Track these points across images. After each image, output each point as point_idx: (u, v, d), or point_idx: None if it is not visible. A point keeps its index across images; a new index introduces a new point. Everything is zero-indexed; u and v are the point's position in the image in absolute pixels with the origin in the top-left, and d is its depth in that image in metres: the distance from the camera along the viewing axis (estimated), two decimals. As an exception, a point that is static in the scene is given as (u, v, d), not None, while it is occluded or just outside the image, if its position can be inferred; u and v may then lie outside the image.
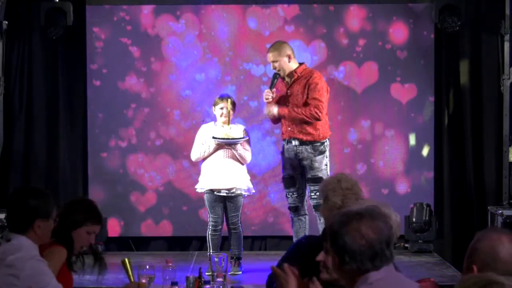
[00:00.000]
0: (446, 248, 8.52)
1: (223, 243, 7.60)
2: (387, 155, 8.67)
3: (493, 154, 8.48)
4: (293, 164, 6.97)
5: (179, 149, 8.64)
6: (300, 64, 7.05)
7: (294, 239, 7.11)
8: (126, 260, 4.02)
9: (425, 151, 8.57)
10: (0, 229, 7.42)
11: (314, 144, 6.91)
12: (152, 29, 8.65)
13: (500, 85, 8.43)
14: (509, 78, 8.36)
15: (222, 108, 7.14)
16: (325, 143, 6.96)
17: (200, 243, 8.54)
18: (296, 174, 7.00)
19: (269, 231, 8.71)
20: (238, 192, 7.18)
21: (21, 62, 8.55)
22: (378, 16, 8.64)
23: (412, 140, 8.66)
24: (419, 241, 8.28)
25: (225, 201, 7.20)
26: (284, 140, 7.05)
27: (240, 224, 7.26)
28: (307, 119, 6.82)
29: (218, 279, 4.23)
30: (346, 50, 8.64)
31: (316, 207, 6.87)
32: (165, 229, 8.69)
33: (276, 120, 7.13)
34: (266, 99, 6.96)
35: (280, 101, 6.98)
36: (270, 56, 6.98)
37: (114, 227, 8.56)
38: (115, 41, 8.64)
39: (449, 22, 8.19)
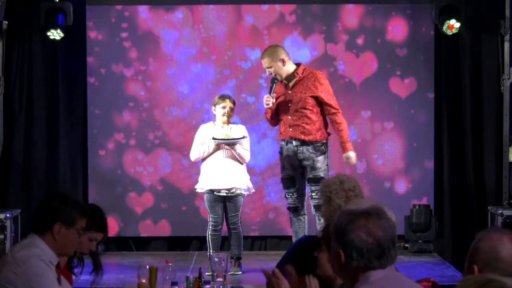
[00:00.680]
0: (446, 248, 8.52)
1: (223, 243, 7.60)
2: (386, 154, 8.68)
3: (493, 154, 8.48)
4: (293, 164, 6.96)
5: (178, 149, 8.64)
6: (298, 64, 7.04)
7: (294, 239, 7.11)
8: (154, 268, 4.07)
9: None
10: (0, 229, 7.42)
11: (315, 144, 6.90)
12: (151, 29, 8.65)
13: (500, 85, 8.44)
14: (509, 78, 8.37)
15: (223, 108, 7.14)
16: (326, 144, 6.97)
17: (200, 243, 8.54)
18: (296, 174, 6.99)
19: (269, 231, 8.71)
20: (238, 192, 7.18)
21: (21, 62, 8.55)
22: (377, 14, 8.64)
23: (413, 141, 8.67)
24: (419, 241, 8.28)
25: (225, 201, 7.21)
26: (283, 140, 7.04)
27: (240, 224, 7.26)
28: (347, 129, 7.00)
29: (218, 279, 4.23)
30: (345, 45, 8.64)
31: (316, 207, 6.87)
32: (165, 229, 8.69)
33: (275, 122, 7.12)
34: (267, 104, 6.93)
35: (281, 104, 6.97)
36: (264, 62, 6.97)
37: (114, 227, 8.55)
38: (115, 41, 8.64)
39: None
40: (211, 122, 7.34)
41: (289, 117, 6.94)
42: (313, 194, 6.88)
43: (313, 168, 6.89)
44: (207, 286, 4.19)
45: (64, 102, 8.62)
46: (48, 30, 8.24)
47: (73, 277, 4.17)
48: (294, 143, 6.93)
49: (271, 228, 8.70)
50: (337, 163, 8.59)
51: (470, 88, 8.56)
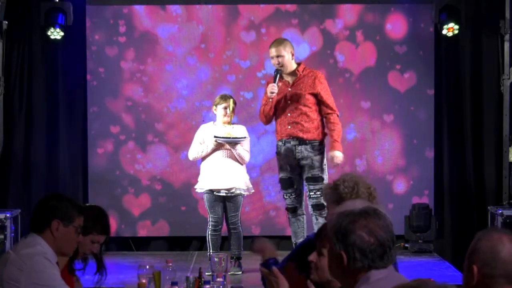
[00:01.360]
0: (446, 248, 8.52)
1: (223, 243, 7.60)
2: (386, 153, 8.67)
3: (493, 154, 8.48)
4: (291, 165, 6.95)
5: (179, 149, 8.64)
6: (298, 64, 7.06)
7: (293, 240, 7.11)
8: (159, 273, 4.11)
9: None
10: (0, 229, 7.42)
11: (313, 143, 6.90)
12: (151, 29, 8.65)
13: (500, 85, 8.44)
14: (509, 78, 8.37)
15: (225, 108, 7.14)
16: (324, 143, 6.97)
17: (200, 243, 8.54)
18: (294, 175, 6.98)
19: (269, 231, 8.71)
20: (238, 192, 7.18)
21: (21, 62, 8.55)
22: (377, 11, 8.64)
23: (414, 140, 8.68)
24: (419, 241, 8.28)
25: (225, 201, 7.21)
26: (280, 140, 7.02)
27: (240, 224, 7.26)
28: (341, 131, 6.97)
29: (218, 279, 4.22)
30: (343, 40, 8.64)
31: (314, 207, 6.87)
32: (165, 229, 8.69)
33: (269, 120, 7.10)
34: (271, 92, 6.89)
35: (280, 101, 6.96)
36: (274, 51, 6.94)
37: (113, 227, 8.55)
38: (115, 41, 8.64)
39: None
40: (212, 122, 7.35)
41: (288, 114, 6.93)
42: (311, 193, 6.88)
43: (311, 167, 6.89)
44: (207, 286, 4.19)
45: (64, 101, 8.62)
46: (48, 29, 8.23)
47: (79, 276, 4.18)
48: (292, 142, 6.92)
49: (271, 228, 8.70)
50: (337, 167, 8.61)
51: (470, 88, 8.57)
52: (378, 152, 8.69)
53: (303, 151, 6.90)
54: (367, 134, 8.68)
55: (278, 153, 7.07)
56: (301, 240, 6.95)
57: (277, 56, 6.92)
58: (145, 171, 8.68)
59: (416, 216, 8.27)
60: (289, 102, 6.92)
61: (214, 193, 7.18)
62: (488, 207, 7.97)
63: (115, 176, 8.66)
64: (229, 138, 7.08)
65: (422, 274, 6.87)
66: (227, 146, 7.16)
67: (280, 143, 7.03)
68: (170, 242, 8.75)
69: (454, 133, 8.59)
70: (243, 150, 7.18)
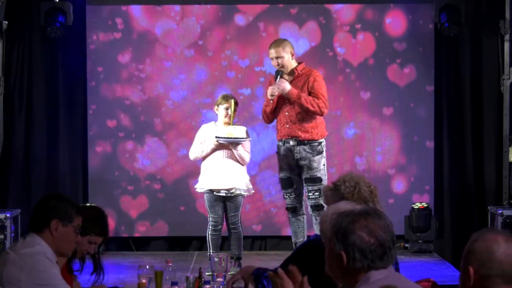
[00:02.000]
0: (446, 248, 8.52)
1: (223, 243, 7.60)
2: (387, 151, 8.67)
3: (493, 154, 8.49)
4: (290, 165, 6.95)
5: (179, 149, 8.64)
6: (299, 63, 7.06)
7: (293, 240, 7.12)
8: (159, 272, 4.13)
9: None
10: (0, 229, 7.42)
11: (312, 143, 6.90)
12: (151, 29, 8.65)
13: (500, 85, 8.44)
14: (509, 78, 8.37)
15: (227, 109, 7.14)
16: (322, 143, 6.96)
17: (200, 243, 8.54)
18: (294, 175, 6.98)
19: (269, 231, 8.71)
20: (238, 192, 7.18)
21: (21, 62, 8.55)
22: (376, 9, 8.65)
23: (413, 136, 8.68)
24: (419, 241, 8.27)
25: (225, 201, 7.21)
26: (280, 140, 7.02)
27: (240, 224, 7.26)
28: (312, 108, 6.76)
29: (218, 279, 4.22)
30: (342, 36, 8.64)
31: (314, 207, 6.87)
32: (164, 229, 8.69)
33: (271, 120, 7.10)
34: (272, 95, 6.89)
35: (279, 99, 6.96)
36: (273, 52, 6.94)
37: (113, 227, 8.55)
38: (115, 40, 8.64)
39: (447, 30, 8.23)
40: (213, 122, 7.35)
41: (286, 113, 6.93)
42: (310, 194, 6.88)
43: (310, 168, 6.89)
44: (207, 286, 4.19)
45: (64, 101, 8.62)
46: (48, 27, 8.21)
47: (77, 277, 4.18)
48: (291, 142, 6.92)
49: (271, 228, 8.70)
50: (337, 162, 8.61)
51: (470, 89, 8.57)
52: (378, 150, 8.68)
53: (302, 151, 6.90)
54: (367, 132, 8.67)
55: (278, 153, 7.07)
56: (301, 240, 6.96)
57: (277, 58, 6.93)
58: (145, 171, 8.68)
59: (416, 216, 8.27)
60: (287, 101, 6.92)
61: (214, 193, 7.18)
62: (488, 207, 7.97)
63: (114, 176, 8.66)
64: (230, 138, 7.08)
65: (422, 274, 6.87)
66: (228, 147, 7.16)
67: (280, 143, 7.03)
68: (170, 242, 8.75)
69: (454, 133, 8.60)
70: (244, 150, 7.19)
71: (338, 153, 8.65)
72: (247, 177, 7.31)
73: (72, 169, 8.63)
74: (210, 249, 7.19)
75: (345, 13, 8.66)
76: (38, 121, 8.58)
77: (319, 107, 6.78)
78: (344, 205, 3.46)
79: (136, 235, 8.69)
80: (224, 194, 7.17)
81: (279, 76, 6.92)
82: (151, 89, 8.67)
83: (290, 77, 6.99)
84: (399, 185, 8.68)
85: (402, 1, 8.68)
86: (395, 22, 8.66)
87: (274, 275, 2.74)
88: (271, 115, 7.04)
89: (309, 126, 6.91)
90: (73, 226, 3.78)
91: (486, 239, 2.45)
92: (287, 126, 6.92)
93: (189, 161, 7.72)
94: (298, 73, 6.98)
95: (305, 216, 7.08)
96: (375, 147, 8.69)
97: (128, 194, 8.67)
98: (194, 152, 7.29)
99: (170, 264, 4.34)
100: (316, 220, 6.80)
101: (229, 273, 4.29)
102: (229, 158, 7.18)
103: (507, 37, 8.35)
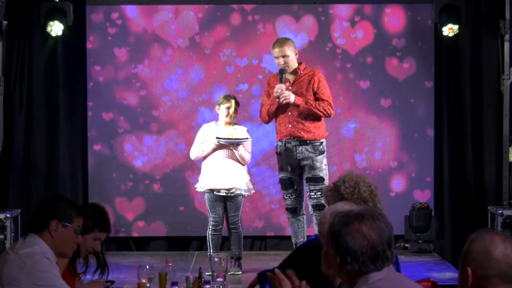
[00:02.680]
0: (446, 248, 8.52)
1: (223, 243, 7.60)
2: (386, 149, 8.67)
3: (493, 154, 8.48)
4: (292, 165, 6.95)
5: (179, 149, 8.64)
6: (300, 63, 7.06)
7: (293, 240, 7.12)
8: (165, 275, 4.14)
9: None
10: (0, 229, 7.42)
11: (314, 143, 6.90)
12: (151, 29, 8.65)
13: (500, 85, 8.44)
14: (509, 78, 8.37)
15: (228, 108, 7.14)
16: (324, 143, 6.97)
17: (200, 243, 8.54)
18: (294, 175, 6.98)
19: (269, 231, 8.71)
20: (238, 192, 7.18)
21: (21, 62, 8.55)
22: (375, 8, 8.65)
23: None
24: (419, 241, 8.27)
25: (225, 201, 7.21)
26: (280, 141, 7.02)
27: (240, 224, 7.26)
28: (320, 113, 6.85)
29: (218, 279, 4.22)
30: (341, 32, 8.64)
31: (315, 207, 6.87)
32: (164, 229, 8.69)
33: (271, 119, 7.09)
34: (277, 92, 6.88)
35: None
36: (278, 51, 6.94)
37: (113, 227, 8.55)
38: (115, 40, 8.64)
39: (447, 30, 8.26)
40: (214, 122, 7.35)
41: (289, 113, 6.93)
42: (311, 193, 6.88)
43: (312, 167, 6.89)
44: (207, 286, 4.19)
45: (64, 102, 8.62)
46: (48, 24, 8.19)
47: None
48: (293, 143, 6.92)
49: (271, 228, 8.70)
50: (337, 162, 8.61)
51: (470, 88, 8.56)
52: (378, 147, 8.67)
53: (304, 151, 6.90)
54: (367, 130, 8.67)
55: (278, 154, 7.06)
56: (301, 240, 6.97)
57: (282, 56, 6.92)
58: (145, 170, 8.68)
59: (416, 216, 8.27)
60: (289, 101, 6.92)
61: (214, 192, 7.18)
62: (488, 207, 7.97)
63: (114, 176, 8.65)
64: (231, 139, 7.08)
65: (422, 274, 6.87)
66: (229, 146, 7.16)
67: (280, 144, 7.02)
68: (170, 242, 8.75)
69: (454, 133, 8.59)
70: (245, 151, 7.19)
71: (338, 151, 8.65)
72: (248, 177, 7.31)
73: (71, 169, 8.63)
74: (210, 249, 7.19)
75: (343, 10, 8.66)
76: (38, 121, 8.58)
77: (325, 110, 6.87)
78: (342, 206, 3.46)
79: (136, 235, 8.69)
80: (224, 194, 7.17)
81: (284, 75, 6.92)
82: (150, 89, 8.67)
83: (293, 77, 6.99)
84: (399, 182, 8.67)
85: (401, 1, 8.68)
86: (394, 18, 8.65)
87: (273, 276, 2.75)
88: (273, 115, 7.04)
89: (312, 126, 6.91)
90: (73, 227, 3.76)
91: (483, 240, 2.46)
92: (289, 126, 6.92)
93: (188, 160, 7.72)
94: (301, 73, 6.98)
95: (305, 217, 7.08)
96: (375, 145, 8.67)
97: (128, 194, 8.67)
98: (195, 152, 7.29)
99: (170, 264, 4.34)
100: (316, 220, 6.80)
101: (229, 273, 4.29)
102: (230, 158, 7.18)
103: (507, 37, 8.35)
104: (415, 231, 8.29)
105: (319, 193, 6.82)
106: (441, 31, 8.32)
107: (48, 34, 8.30)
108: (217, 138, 7.10)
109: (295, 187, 6.99)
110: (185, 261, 7.88)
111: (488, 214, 7.90)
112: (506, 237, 2.46)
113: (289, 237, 7.41)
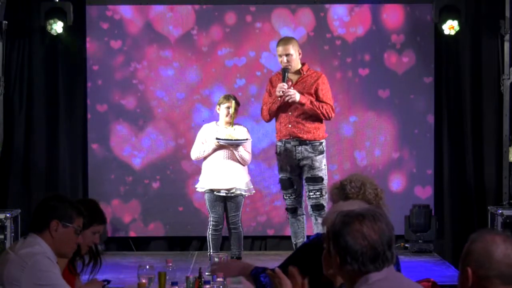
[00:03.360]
0: (446, 248, 8.52)
1: (223, 243, 7.60)
2: (387, 148, 8.67)
3: (493, 154, 8.48)
4: (291, 165, 6.95)
5: (179, 149, 8.64)
6: (303, 63, 7.06)
7: (293, 240, 7.12)
8: (163, 273, 4.14)
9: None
10: (0, 229, 7.42)
11: (313, 143, 6.90)
12: (151, 29, 8.65)
13: (500, 85, 8.44)
14: (509, 78, 8.37)
15: (228, 108, 7.14)
16: (323, 143, 6.97)
17: (200, 243, 8.54)
18: (294, 175, 6.99)
19: (269, 231, 8.71)
20: (238, 192, 7.18)
21: (21, 62, 8.55)
22: (375, 7, 8.66)
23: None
24: (419, 241, 8.27)
25: (226, 201, 7.21)
26: (280, 141, 7.02)
27: (240, 224, 7.26)
28: (321, 115, 6.87)
29: (218, 279, 4.22)
30: (340, 30, 8.64)
31: (314, 207, 6.87)
32: (164, 229, 8.69)
33: (272, 118, 7.09)
34: (281, 91, 6.89)
35: (282, 99, 6.95)
36: (282, 50, 6.93)
37: (113, 227, 8.56)
38: (115, 41, 8.64)
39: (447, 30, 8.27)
40: (214, 122, 7.35)
41: (289, 113, 6.93)
42: (311, 193, 6.88)
43: (312, 167, 6.89)
44: (207, 286, 4.19)
45: (64, 102, 8.62)
46: (48, 25, 8.19)
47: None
48: (292, 143, 6.92)
49: (271, 228, 8.70)
50: (338, 162, 8.61)
51: (470, 88, 8.57)
52: (377, 144, 8.67)
53: (304, 151, 6.90)
54: (366, 129, 8.67)
55: (278, 154, 7.06)
56: (301, 240, 6.97)
57: (286, 55, 6.92)
58: (145, 171, 8.68)
59: (416, 216, 8.26)
60: (290, 101, 6.91)
61: (215, 192, 7.18)
62: (488, 207, 7.97)
63: (114, 176, 8.65)
64: (230, 140, 7.08)
65: (422, 274, 6.87)
66: (229, 147, 7.16)
67: (279, 144, 7.02)
68: (170, 242, 8.75)
69: (454, 133, 8.59)
70: (245, 151, 7.19)
71: (339, 151, 8.64)
72: (248, 177, 7.31)
73: (71, 169, 8.62)
74: (210, 249, 7.19)
75: (343, 10, 8.66)
76: (38, 121, 8.57)
77: (327, 112, 6.89)
78: (346, 205, 3.46)
79: (136, 235, 8.69)
80: (224, 194, 7.17)
81: (286, 74, 6.91)
82: (150, 89, 8.67)
83: (296, 76, 6.99)
84: (399, 182, 8.67)
85: (401, 2, 8.67)
86: (393, 15, 8.65)
87: (273, 274, 2.75)
88: (274, 113, 7.03)
89: (312, 127, 6.91)
90: (73, 227, 3.76)
91: (484, 240, 2.45)
92: (290, 126, 6.92)
93: (188, 160, 7.72)
94: (304, 74, 6.98)
95: (304, 217, 7.08)
96: (375, 143, 8.67)
97: (127, 194, 8.66)
98: (196, 152, 7.29)
99: (170, 264, 4.34)
100: (316, 220, 6.81)
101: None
102: (230, 158, 7.18)
103: (507, 37, 8.35)
104: (415, 229, 8.29)
105: (318, 193, 6.82)
106: (442, 30, 8.31)
107: (48, 34, 8.31)
108: (216, 138, 7.10)
109: (294, 187, 6.99)
110: (185, 261, 7.88)
111: (488, 214, 7.90)
112: (507, 238, 2.46)
113: (289, 237, 7.41)
